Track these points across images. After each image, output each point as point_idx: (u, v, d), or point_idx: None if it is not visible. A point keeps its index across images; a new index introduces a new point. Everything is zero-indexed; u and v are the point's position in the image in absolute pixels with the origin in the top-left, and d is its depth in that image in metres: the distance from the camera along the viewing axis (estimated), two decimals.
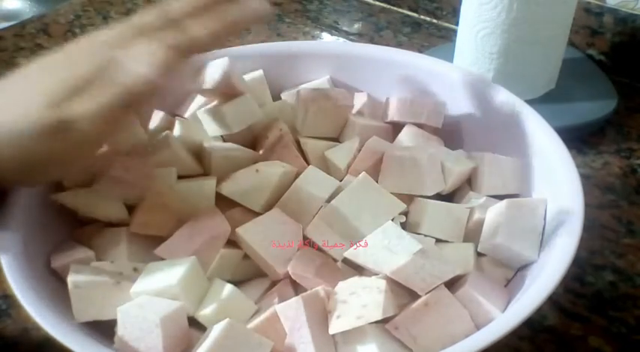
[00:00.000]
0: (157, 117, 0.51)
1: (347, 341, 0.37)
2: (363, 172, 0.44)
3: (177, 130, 0.49)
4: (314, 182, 0.44)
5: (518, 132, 0.47)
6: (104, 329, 0.38)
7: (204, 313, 0.39)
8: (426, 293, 0.38)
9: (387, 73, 0.54)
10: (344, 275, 0.41)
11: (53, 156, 0.37)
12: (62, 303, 0.38)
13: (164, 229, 0.42)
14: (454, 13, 0.78)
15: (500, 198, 0.45)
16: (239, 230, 0.41)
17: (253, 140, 0.51)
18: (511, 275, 0.42)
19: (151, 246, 0.42)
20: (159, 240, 0.42)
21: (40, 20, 0.84)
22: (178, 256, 0.40)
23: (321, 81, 0.55)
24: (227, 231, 0.41)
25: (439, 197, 0.45)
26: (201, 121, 0.49)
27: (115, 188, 0.43)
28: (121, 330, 0.36)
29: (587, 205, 0.40)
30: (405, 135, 0.49)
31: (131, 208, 0.44)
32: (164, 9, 0.40)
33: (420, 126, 0.49)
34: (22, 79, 0.39)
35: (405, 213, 0.44)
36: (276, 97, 0.54)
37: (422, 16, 0.83)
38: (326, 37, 0.81)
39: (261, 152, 0.49)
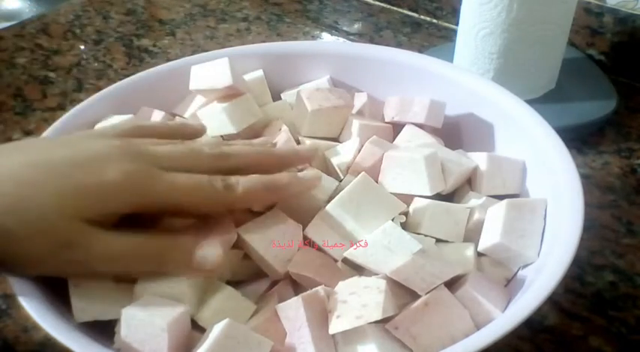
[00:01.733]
0: (156, 117, 0.51)
1: (347, 341, 0.37)
2: (363, 172, 0.44)
3: None
4: None
5: (518, 132, 0.47)
6: (104, 329, 0.38)
7: (204, 314, 0.39)
8: (426, 293, 0.38)
9: (387, 73, 0.54)
10: (344, 276, 0.41)
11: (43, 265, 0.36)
12: (62, 303, 0.38)
13: None
14: (454, 13, 0.78)
15: (500, 198, 0.45)
16: (239, 230, 0.41)
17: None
18: (511, 275, 0.42)
19: None
20: None
21: (40, 20, 0.84)
22: None
23: (321, 81, 0.55)
24: (233, 237, 0.41)
25: (439, 197, 0.45)
26: (201, 121, 0.49)
27: None
28: (124, 332, 0.36)
29: (587, 205, 0.40)
30: (405, 135, 0.49)
31: None
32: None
33: (420, 126, 0.49)
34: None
35: (405, 213, 0.44)
36: (276, 97, 0.54)
37: (422, 16, 0.83)
38: (326, 37, 0.81)
39: None
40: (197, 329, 0.38)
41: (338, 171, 0.47)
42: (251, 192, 0.40)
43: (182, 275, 0.38)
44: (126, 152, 0.38)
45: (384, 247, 0.39)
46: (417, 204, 0.44)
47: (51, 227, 0.35)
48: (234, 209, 0.41)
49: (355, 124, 0.49)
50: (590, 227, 0.50)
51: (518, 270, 0.42)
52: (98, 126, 0.49)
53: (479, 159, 0.47)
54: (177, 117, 0.52)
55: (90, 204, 0.36)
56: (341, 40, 0.81)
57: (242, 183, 0.39)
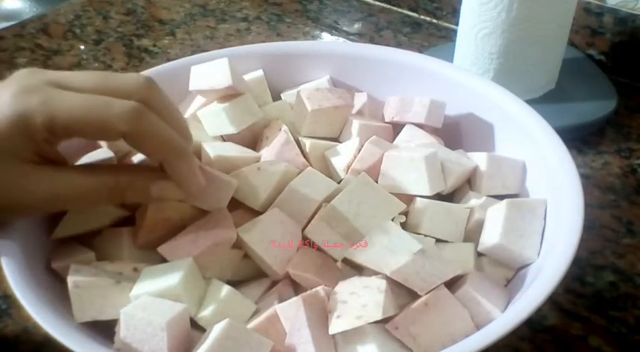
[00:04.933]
0: None
1: (347, 341, 0.37)
2: (363, 172, 0.44)
3: None
4: (309, 184, 0.44)
5: (518, 132, 0.47)
6: (104, 329, 0.38)
7: (204, 314, 0.39)
8: (426, 293, 0.38)
9: (387, 73, 0.54)
10: (344, 275, 0.41)
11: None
12: (62, 303, 0.38)
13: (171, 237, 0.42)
14: (454, 13, 0.78)
15: (500, 198, 0.45)
16: (239, 230, 0.41)
17: (253, 140, 0.51)
18: (511, 275, 0.42)
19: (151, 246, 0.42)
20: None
21: (40, 20, 0.84)
22: (180, 257, 0.40)
23: (321, 81, 0.55)
24: (232, 237, 0.41)
25: (439, 197, 0.45)
26: (201, 121, 0.49)
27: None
28: (123, 332, 0.36)
29: (587, 205, 0.40)
30: (405, 135, 0.49)
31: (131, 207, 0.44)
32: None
33: (420, 126, 0.49)
34: None
35: (405, 213, 0.44)
36: (276, 97, 0.54)
37: (422, 16, 0.83)
38: (326, 37, 0.81)
39: (261, 152, 0.49)
40: (197, 329, 0.38)
41: (338, 171, 0.47)
42: (154, 135, 0.37)
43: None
44: (25, 84, 0.37)
45: (384, 247, 0.39)
46: (417, 204, 0.44)
47: None
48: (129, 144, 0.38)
49: (355, 124, 0.49)
50: (590, 227, 0.50)
51: (518, 270, 0.42)
52: None
53: (479, 159, 0.47)
54: None
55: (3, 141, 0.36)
56: (341, 40, 0.81)
57: (149, 120, 0.37)
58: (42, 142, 0.37)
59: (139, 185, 0.39)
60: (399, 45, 0.78)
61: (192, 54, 0.62)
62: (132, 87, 0.38)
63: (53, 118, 0.36)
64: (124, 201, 0.39)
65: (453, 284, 0.40)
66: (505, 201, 0.43)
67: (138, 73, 0.39)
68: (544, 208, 0.43)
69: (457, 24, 0.66)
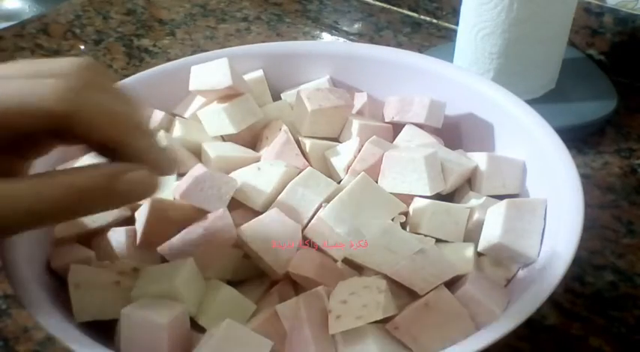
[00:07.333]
0: (157, 117, 0.51)
1: (347, 341, 0.37)
2: (363, 172, 0.44)
3: (177, 130, 0.49)
4: (309, 184, 0.44)
5: (518, 132, 0.47)
6: (104, 329, 0.38)
7: (204, 314, 0.39)
8: (426, 293, 0.38)
9: (387, 73, 0.54)
10: (344, 276, 0.41)
11: None
12: (62, 303, 0.38)
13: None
14: (454, 13, 0.78)
15: (500, 198, 0.45)
16: (239, 230, 0.41)
17: (253, 140, 0.51)
18: (511, 275, 0.42)
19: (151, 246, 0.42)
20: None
21: (40, 20, 0.84)
22: (180, 257, 0.40)
23: (321, 81, 0.55)
24: (232, 237, 0.41)
25: (439, 197, 0.45)
26: (201, 121, 0.49)
27: None
28: (123, 332, 0.36)
29: (587, 205, 0.40)
30: (405, 135, 0.49)
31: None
32: None
33: (420, 126, 0.49)
34: None
35: (405, 213, 0.44)
36: (276, 97, 0.54)
37: (422, 16, 0.83)
38: (326, 37, 0.81)
39: (261, 152, 0.49)
40: (197, 329, 0.38)
41: (338, 171, 0.47)
42: (101, 111, 0.30)
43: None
44: None
45: (384, 247, 0.39)
46: (417, 204, 0.44)
47: None
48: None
49: (355, 124, 0.49)
50: (590, 227, 0.50)
51: (518, 270, 0.42)
52: None
53: (479, 159, 0.47)
54: (177, 117, 0.52)
55: None
56: (341, 40, 0.81)
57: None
58: None
59: (101, 188, 0.30)
60: (399, 45, 0.78)
61: (192, 54, 0.62)
62: (66, 70, 0.31)
63: None
64: (82, 213, 0.31)
65: (452, 284, 0.40)
66: (505, 201, 0.43)
67: (74, 57, 0.32)
68: (544, 208, 0.43)
69: (457, 24, 0.66)
